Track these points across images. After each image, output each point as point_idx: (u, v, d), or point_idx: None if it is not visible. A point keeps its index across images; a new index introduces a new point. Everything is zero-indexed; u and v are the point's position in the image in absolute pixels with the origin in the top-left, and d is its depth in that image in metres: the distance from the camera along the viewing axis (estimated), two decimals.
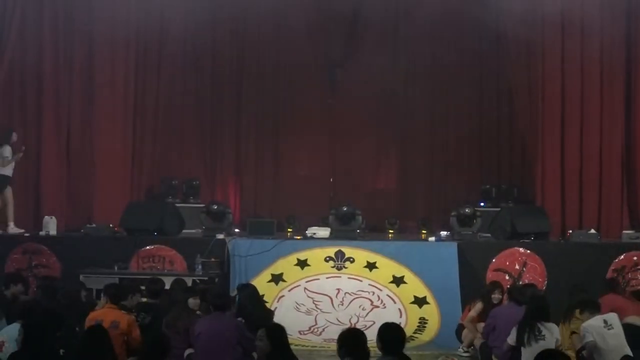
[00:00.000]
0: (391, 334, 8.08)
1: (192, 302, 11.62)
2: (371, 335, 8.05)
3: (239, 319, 11.26)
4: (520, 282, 15.10)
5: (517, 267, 15.68)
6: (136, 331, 10.16)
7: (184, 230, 17.33)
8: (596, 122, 18.04)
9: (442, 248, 16.21)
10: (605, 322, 10.63)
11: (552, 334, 10.76)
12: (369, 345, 7.83)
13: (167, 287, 12.80)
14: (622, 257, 15.79)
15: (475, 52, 20.57)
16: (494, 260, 15.78)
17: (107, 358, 7.44)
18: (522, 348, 10.79)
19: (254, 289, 12.68)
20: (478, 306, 13.09)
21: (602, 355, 10.43)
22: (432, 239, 16.96)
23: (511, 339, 11.00)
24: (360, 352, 7.69)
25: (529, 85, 18.46)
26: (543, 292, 14.12)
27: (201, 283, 14.27)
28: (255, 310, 11.94)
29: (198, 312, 11.52)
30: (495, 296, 13.04)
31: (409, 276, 15.48)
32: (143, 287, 12.43)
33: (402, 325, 14.22)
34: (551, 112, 18.02)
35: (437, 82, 21.07)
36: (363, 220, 17.11)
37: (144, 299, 11.94)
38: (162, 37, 18.93)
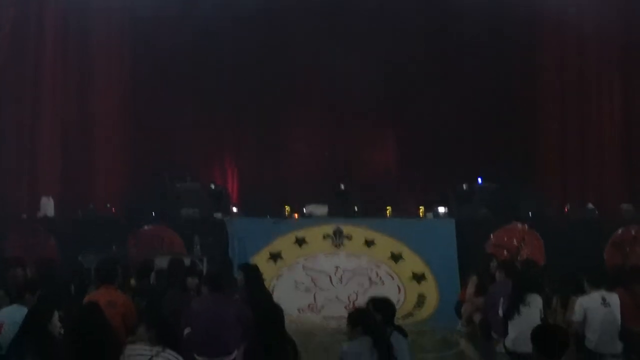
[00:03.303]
0: (387, 305, 8.30)
1: (190, 281, 11.59)
2: None
3: (236, 297, 11.23)
4: (519, 258, 15.09)
5: (515, 243, 15.68)
6: (133, 311, 10.11)
7: (182, 211, 17.29)
8: (595, 95, 18.00)
9: (440, 225, 16.23)
10: (603, 299, 10.60)
11: (536, 306, 10.75)
12: None
13: (165, 267, 12.75)
14: (621, 231, 15.78)
15: (474, 30, 20.45)
16: (492, 236, 15.78)
17: (102, 335, 7.42)
18: (509, 321, 10.80)
19: (257, 269, 12.63)
20: (474, 280, 13.10)
21: (592, 331, 10.42)
22: (430, 215, 16.94)
23: (501, 311, 11.03)
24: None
25: (527, 61, 18.42)
26: (540, 267, 14.08)
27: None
28: (258, 290, 11.90)
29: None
30: (493, 268, 13.02)
31: (407, 253, 15.50)
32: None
33: (401, 302, 14.42)
34: (550, 86, 18.00)
35: (436, 60, 20.96)
36: (361, 197, 17.11)
37: (133, 281, 11.88)
38: (159, 15, 18.81)
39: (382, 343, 7.65)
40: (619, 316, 10.60)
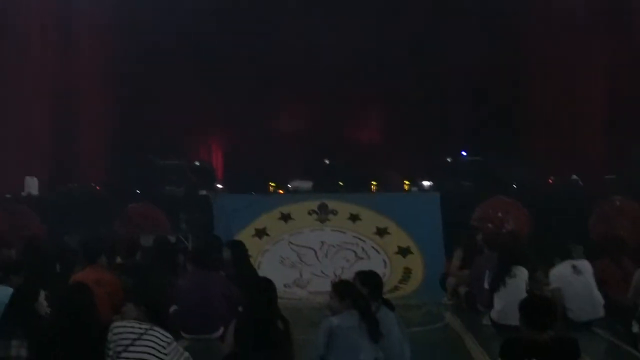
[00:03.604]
0: (375, 279, 8.32)
1: (176, 259, 11.61)
2: None
3: (222, 273, 11.24)
4: (504, 230, 15.13)
5: (500, 215, 15.69)
6: (119, 290, 10.09)
7: (166, 188, 17.27)
8: (579, 66, 18.04)
9: (425, 198, 16.26)
10: (574, 267, 10.68)
11: (522, 277, 10.81)
12: None
13: (151, 245, 12.76)
14: (605, 202, 15.82)
15: (458, 5, 20.44)
16: (477, 209, 15.79)
17: (90, 315, 7.42)
18: (494, 294, 10.86)
19: (243, 246, 12.62)
20: (458, 253, 13.15)
21: (569, 300, 10.49)
22: (414, 189, 16.96)
23: (486, 283, 11.08)
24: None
25: (512, 33, 18.43)
26: (522, 239, 14.10)
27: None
28: (244, 267, 11.92)
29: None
30: (479, 241, 13.07)
31: (392, 227, 15.50)
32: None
33: (387, 276, 14.44)
34: (534, 59, 18.02)
35: (422, 35, 20.91)
36: (346, 172, 17.12)
37: (119, 259, 11.87)
38: None
39: (370, 317, 7.65)
40: (592, 282, 10.68)
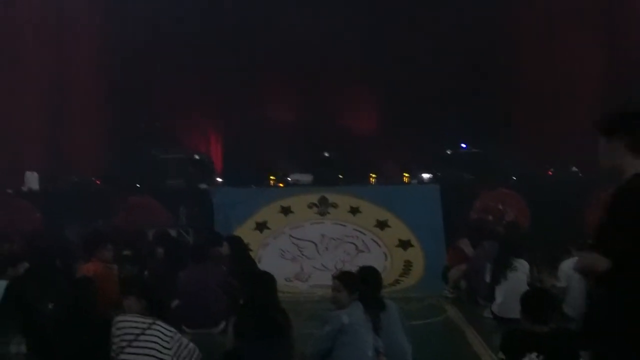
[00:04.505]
0: (376, 277, 8.24)
1: (176, 252, 11.62)
2: None
3: (222, 267, 11.25)
4: (504, 222, 15.12)
5: (500, 207, 15.70)
6: (110, 283, 9.94)
7: (167, 182, 17.27)
8: (577, 57, 18.03)
9: (425, 191, 16.27)
10: None
11: (523, 270, 10.81)
12: None
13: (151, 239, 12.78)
14: (601, 192, 15.79)
15: None
16: (477, 201, 15.80)
17: (95, 309, 7.45)
18: (495, 287, 10.86)
19: (241, 241, 12.63)
20: (466, 242, 13.13)
21: (574, 298, 10.45)
22: (414, 182, 16.97)
23: (487, 277, 11.08)
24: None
25: (509, 22, 18.41)
26: (521, 230, 14.10)
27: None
28: (244, 261, 11.93)
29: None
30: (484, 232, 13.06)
31: (392, 220, 15.52)
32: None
33: (388, 269, 14.46)
34: (531, 49, 18.01)
35: (418, 26, 20.87)
36: (345, 165, 17.12)
37: (127, 252, 11.90)
38: None
39: (374, 312, 7.63)
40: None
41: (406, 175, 18.32)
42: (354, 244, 15.29)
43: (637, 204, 4.65)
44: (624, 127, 4.99)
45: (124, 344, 6.85)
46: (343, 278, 7.78)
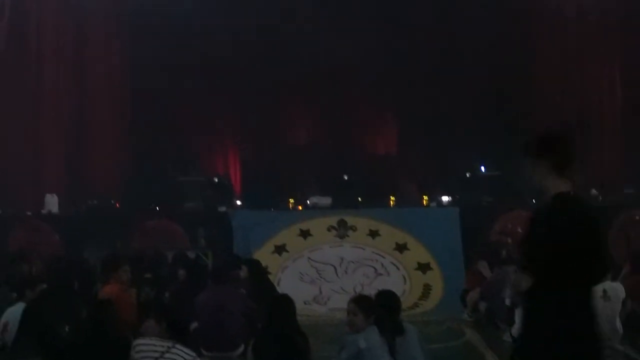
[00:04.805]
0: (393, 300, 8.17)
1: (195, 275, 11.59)
2: None
3: (242, 290, 11.23)
4: None
5: (520, 230, 15.62)
6: (127, 305, 9.89)
7: (185, 204, 17.29)
8: (595, 79, 17.99)
9: (444, 213, 16.22)
10: (604, 291, 10.52)
11: None
12: None
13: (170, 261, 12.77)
14: (623, 215, 15.74)
15: (474, 14, 20.35)
16: (496, 223, 15.74)
17: (116, 332, 7.44)
18: (515, 310, 10.78)
19: (259, 264, 12.61)
20: (484, 265, 13.06)
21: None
22: (433, 204, 16.93)
23: (507, 300, 11.00)
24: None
25: (528, 48, 18.41)
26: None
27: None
28: (262, 284, 11.90)
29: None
30: (503, 256, 13.01)
31: (412, 243, 15.48)
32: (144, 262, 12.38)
33: (407, 292, 14.40)
34: (550, 72, 17.98)
35: (437, 47, 20.86)
36: (364, 187, 17.10)
37: (148, 275, 11.89)
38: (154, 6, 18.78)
39: (390, 336, 7.59)
40: (618, 308, 10.55)
41: (425, 197, 18.27)
42: (373, 267, 15.26)
43: (552, 224, 5.31)
44: (547, 150, 5.65)
45: None
46: (359, 302, 7.73)
